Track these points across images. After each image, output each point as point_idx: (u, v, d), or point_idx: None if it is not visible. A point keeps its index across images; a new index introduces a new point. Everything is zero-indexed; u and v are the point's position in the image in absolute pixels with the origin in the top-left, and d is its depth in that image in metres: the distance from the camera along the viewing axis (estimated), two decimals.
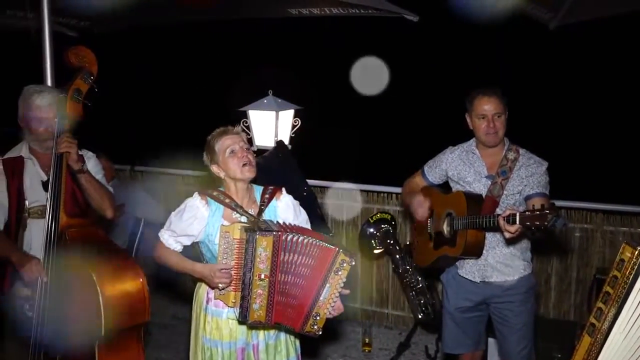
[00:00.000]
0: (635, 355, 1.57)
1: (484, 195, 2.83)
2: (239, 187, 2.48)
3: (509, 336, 2.92)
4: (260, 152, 3.96)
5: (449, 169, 2.99)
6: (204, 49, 12.97)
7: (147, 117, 12.28)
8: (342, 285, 2.29)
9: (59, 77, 3.28)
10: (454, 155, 2.99)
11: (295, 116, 4.18)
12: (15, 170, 2.76)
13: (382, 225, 4.30)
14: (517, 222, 2.38)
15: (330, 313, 2.31)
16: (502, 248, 2.85)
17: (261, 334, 2.49)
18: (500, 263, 2.86)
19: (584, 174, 8.91)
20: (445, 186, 3.09)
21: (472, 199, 2.81)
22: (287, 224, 2.37)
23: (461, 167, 2.94)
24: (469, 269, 2.93)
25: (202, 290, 2.54)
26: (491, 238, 2.85)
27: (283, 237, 2.28)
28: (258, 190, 2.57)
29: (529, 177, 2.80)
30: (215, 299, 2.42)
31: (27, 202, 2.75)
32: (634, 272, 1.55)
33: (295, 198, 2.61)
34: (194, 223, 2.43)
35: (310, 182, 4.10)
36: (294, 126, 4.18)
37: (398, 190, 3.99)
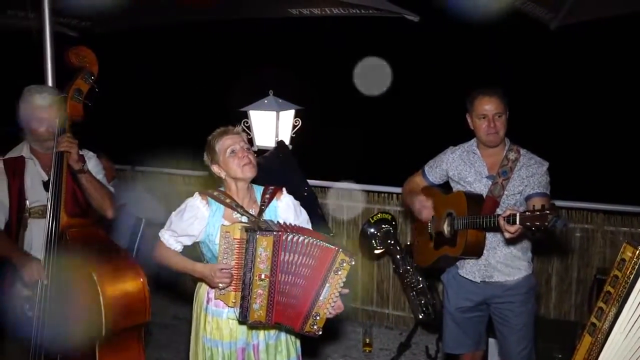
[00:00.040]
0: (636, 355, 1.57)
1: (484, 196, 2.83)
2: (239, 186, 2.49)
3: (509, 336, 2.92)
4: (260, 152, 3.96)
5: (449, 169, 2.99)
6: (205, 49, 12.98)
7: (148, 117, 12.29)
8: (342, 285, 2.29)
9: (60, 77, 3.28)
10: (455, 155, 2.99)
11: (295, 116, 4.18)
12: (16, 170, 2.76)
13: (383, 226, 4.30)
14: (517, 222, 2.38)
15: (330, 313, 2.32)
16: (503, 248, 2.85)
17: (261, 334, 2.49)
18: (501, 263, 2.86)
19: (585, 174, 8.91)
20: (445, 186, 3.09)
21: (473, 199, 2.81)
22: (288, 224, 2.37)
23: (462, 167, 2.94)
24: (469, 269, 2.92)
25: (202, 290, 2.54)
26: (492, 238, 2.85)
27: (283, 237, 2.28)
28: (258, 190, 2.57)
29: (529, 177, 2.79)
30: (215, 299, 2.42)
31: (27, 202, 2.75)
32: (634, 272, 1.55)
33: (295, 198, 2.61)
34: (194, 223, 2.43)
35: (311, 182, 4.10)
36: (294, 126, 4.18)
37: (399, 190, 3.98)
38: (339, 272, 2.28)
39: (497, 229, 2.57)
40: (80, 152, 2.75)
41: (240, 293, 2.31)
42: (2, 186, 2.74)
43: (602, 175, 9.22)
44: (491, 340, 3.51)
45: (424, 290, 4.18)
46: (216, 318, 2.47)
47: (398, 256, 4.27)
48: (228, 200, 2.44)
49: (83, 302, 2.49)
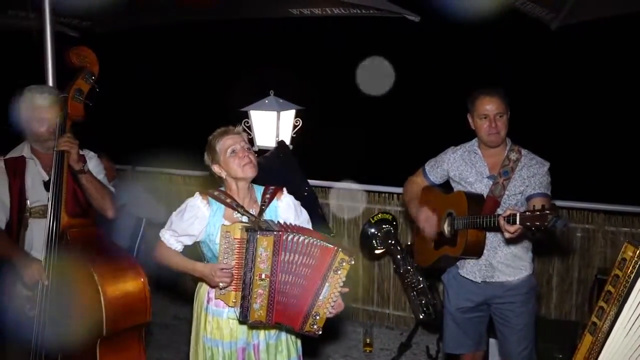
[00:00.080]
0: (637, 354, 1.57)
1: (485, 196, 2.83)
2: (240, 186, 2.49)
3: (510, 337, 2.92)
4: (261, 152, 3.96)
5: (450, 169, 2.99)
6: (206, 49, 12.98)
7: (149, 117, 12.29)
8: (341, 284, 2.29)
9: (61, 77, 3.28)
10: (456, 155, 2.98)
11: (296, 116, 4.18)
12: (17, 170, 2.77)
13: (384, 226, 4.30)
14: (518, 222, 2.37)
15: (330, 312, 2.32)
16: (504, 248, 2.85)
17: (262, 333, 2.49)
18: (502, 263, 2.86)
19: (586, 174, 8.90)
20: (445, 186, 3.09)
21: (473, 199, 2.81)
22: (288, 224, 2.37)
23: (463, 167, 2.94)
24: (470, 269, 2.92)
25: (203, 290, 2.54)
26: (492, 238, 2.84)
27: (284, 237, 2.28)
28: (259, 190, 2.57)
29: (530, 177, 2.79)
30: (215, 298, 2.42)
31: (28, 202, 2.76)
32: (635, 271, 1.55)
33: (296, 198, 2.61)
34: (194, 223, 2.44)
35: (312, 182, 4.10)
36: (295, 126, 4.19)
37: (399, 190, 3.98)
38: (339, 272, 2.28)
39: (497, 229, 2.57)
40: (81, 152, 2.75)
41: (240, 293, 2.31)
42: (3, 186, 2.74)
43: (602, 176, 9.21)
44: (492, 341, 3.51)
45: (424, 290, 4.18)
46: (216, 318, 2.47)
47: (399, 256, 4.27)
48: (229, 200, 2.45)
49: (83, 302, 2.49)
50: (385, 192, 4.78)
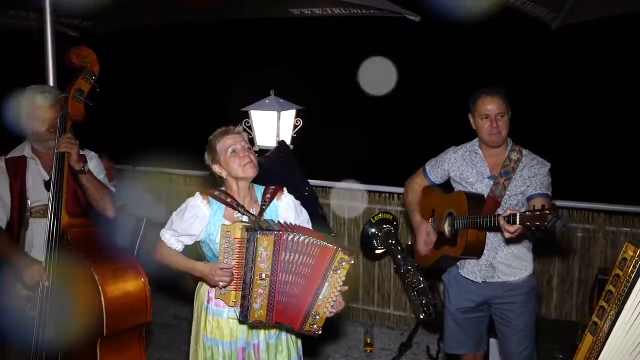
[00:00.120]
0: (636, 352, 1.57)
1: (486, 196, 2.82)
2: (240, 186, 2.49)
3: (510, 337, 2.92)
4: (262, 152, 3.96)
5: (451, 169, 2.98)
6: (207, 49, 12.99)
7: (149, 117, 12.30)
8: (341, 284, 2.29)
9: (61, 77, 3.28)
10: (457, 155, 2.98)
11: (297, 116, 4.18)
12: (18, 170, 2.77)
13: (384, 226, 4.30)
14: (518, 222, 2.37)
15: (330, 312, 2.31)
16: (505, 249, 2.85)
17: (262, 333, 2.49)
18: (503, 264, 2.86)
19: (586, 175, 8.90)
20: (446, 186, 3.09)
21: (474, 199, 2.81)
22: (289, 224, 2.37)
23: (464, 168, 2.93)
24: (470, 269, 2.92)
25: (203, 289, 2.54)
26: (493, 239, 2.84)
27: (284, 237, 2.28)
28: (260, 190, 2.57)
29: (531, 178, 2.79)
30: (216, 298, 2.42)
31: (29, 202, 2.76)
32: (636, 271, 1.55)
33: (296, 198, 2.61)
34: (195, 223, 2.44)
35: (312, 182, 4.10)
36: (295, 126, 4.18)
37: (400, 190, 3.98)
38: (339, 271, 2.28)
39: (497, 229, 2.57)
40: (82, 153, 2.75)
41: (240, 293, 2.31)
42: (4, 186, 2.74)
43: (603, 176, 9.21)
44: (492, 341, 3.51)
45: (425, 290, 4.18)
46: (217, 318, 2.47)
47: (399, 256, 4.27)
48: (229, 200, 2.45)
49: (84, 302, 2.49)
50: (386, 192, 4.78)
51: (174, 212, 2.50)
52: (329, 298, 2.29)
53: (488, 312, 3.00)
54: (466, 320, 3.00)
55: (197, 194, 2.49)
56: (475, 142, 2.96)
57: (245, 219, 2.42)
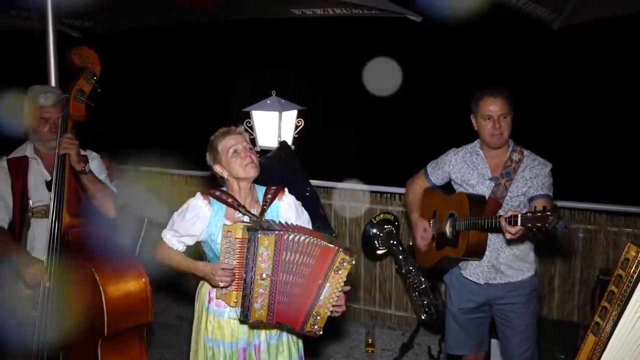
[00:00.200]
0: (638, 352, 1.57)
1: (487, 197, 2.82)
2: (242, 186, 2.49)
3: (512, 337, 2.91)
4: (263, 152, 3.96)
5: (452, 171, 2.97)
6: (208, 49, 13.00)
7: (150, 117, 12.30)
8: (342, 284, 2.29)
9: (62, 77, 3.28)
10: (458, 157, 2.97)
11: (298, 116, 4.18)
12: (19, 170, 2.77)
13: (385, 226, 4.30)
14: (519, 223, 2.37)
15: (331, 312, 2.31)
16: (506, 250, 2.84)
17: (263, 334, 2.48)
18: (504, 265, 2.86)
19: (588, 175, 8.90)
20: (447, 186, 3.08)
21: (475, 200, 2.80)
22: (289, 223, 2.37)
23: (465, 169, 2.93)
24: (472, 270, 2.92)
25: (204, 289, 2.54)
26: (495, 239, 2.84)
27: (285, 237, 2.28)
28: (260, 190, 2.57)
29: (533, 178, 2.78)
30: (217, 298, 2.42)
31: (30, 202, 2.76)
32: (638, 271, 1.54)
33: (297, 198, 2.61)
34: (196, 223, 2.44)
35: (313, 182, 4.10)
36: (297, 126, 4.19)
37: (401, 190, 3.98)
38: (340, 272, 2.28)
39: (498, 230, 2.57)
40: (84, 153, 2.75)
41: (241, 292, 2.30)
42: (6, 186, 2.75)
43: (605, 176, 9.21)
44: (493, 341, 3.50)
45: (426, 290, 4.18)
46: (217, 318, 2.47)
47: (400, 257, 4.26)
48: (230, 200, 2.45)
49: (85, 302, 2.49)
50: (387, 193, 4.78)
51: (175, 213, 2.50)
52: (329, 298, 2.29)
53: (489, 312, 3.00)
54: (467, 320, 3.00)
55: (198, 194, 2.49)
56: (476, 143, 2.95)
57: (246, 219, 2.41)
